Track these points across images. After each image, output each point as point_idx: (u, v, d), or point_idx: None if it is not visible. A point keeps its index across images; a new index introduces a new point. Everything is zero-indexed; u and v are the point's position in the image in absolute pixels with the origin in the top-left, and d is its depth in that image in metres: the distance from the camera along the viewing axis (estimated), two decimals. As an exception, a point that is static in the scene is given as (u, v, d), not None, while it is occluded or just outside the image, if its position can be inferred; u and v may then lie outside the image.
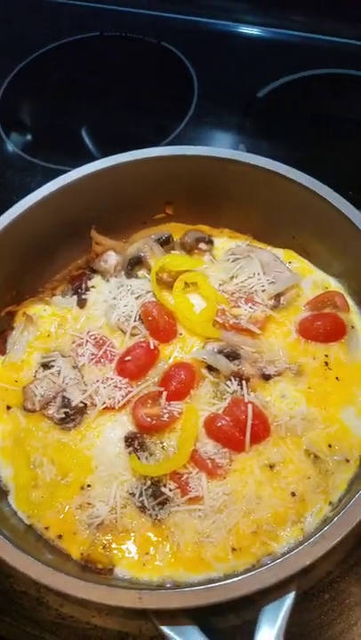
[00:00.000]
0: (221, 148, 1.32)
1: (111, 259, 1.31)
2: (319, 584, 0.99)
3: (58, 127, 1.81)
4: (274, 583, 0.78)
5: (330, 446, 1.02)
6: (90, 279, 1.30)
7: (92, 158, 1.24)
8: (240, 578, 0.80)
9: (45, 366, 1.15)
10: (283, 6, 1.88)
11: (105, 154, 1.25)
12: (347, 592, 0.99)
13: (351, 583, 1.00)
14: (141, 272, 1.28)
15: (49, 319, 1.23)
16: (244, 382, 1.07)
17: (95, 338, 1.17)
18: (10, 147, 1.76)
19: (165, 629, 0.79)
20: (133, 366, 1.12)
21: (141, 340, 1.15)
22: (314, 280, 1.23)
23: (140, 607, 0.78)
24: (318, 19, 1.86)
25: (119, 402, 1.08)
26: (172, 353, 1.14)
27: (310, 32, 1.88)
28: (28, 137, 1.81)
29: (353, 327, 1.16)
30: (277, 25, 1.91)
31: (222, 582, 0.80)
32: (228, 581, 0.80)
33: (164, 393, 1.07)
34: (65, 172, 1.23)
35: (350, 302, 1.19)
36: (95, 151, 1.75)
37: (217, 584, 0.80)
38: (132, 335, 1.17)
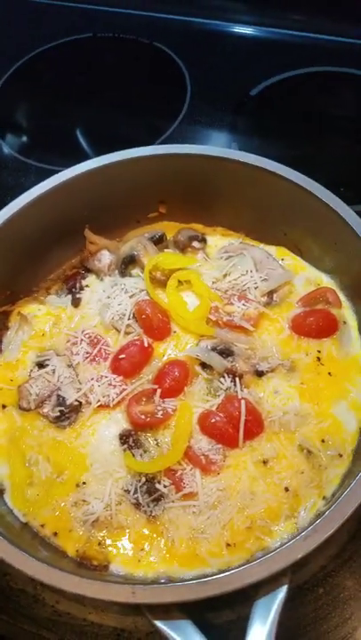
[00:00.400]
0: (214, 146, 1.33)
1: (105, 258, 1.31)
2: (313, 578, 1.00)
3: (52, 128, 1.82)
4: (266, 577, 0.79)
5: (323, 441, 1.03)
6: (84, 278, 1.31)
7: (86, 159, 1.25)
8: (232, 572, 0.80)
9: (40, 365, 1.15)
10: (274, 5, 1.89)
11: (99, 154, 1.25)
12: (341, 586, 1.00)
13: (345, 577, 1.01)
14: (135, 271, 1.29)
15: (43, 318, 1.23)
16: (237, 379, 1.07)
17: (89, 336, 1.17)
18: (4, 148, 1.77)
19: (159, 624, 0.80)
20: (128, 364, 1.12)
21: (135, 338, 1.16)
22: (306, 277, 1.23)
23: (133, 602, 0.78)
24: (310, 17, 1.87)
25: (114, 400, 1.08)
26: (166, 351, 1.15)
27: (302, 30, 1.89)
28: (23, 138, 1.82)
29: (345, 323, 1.17)
30: (269, 24, 1.92)
31: (215, 577, 0.81)
32: (221, 575, 0.80)
33: (158, 390, 1.07)
34: (59, 171, 1.23)
35: (342, 298, 1.20)
36: (89, 152, 1.76)
37: (209, 578, 0.80)
38: (127, 333, 1.17)
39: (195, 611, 0.83)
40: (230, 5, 1.94)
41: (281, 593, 0.79)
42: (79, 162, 1.24)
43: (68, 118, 1.83)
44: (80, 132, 1.80)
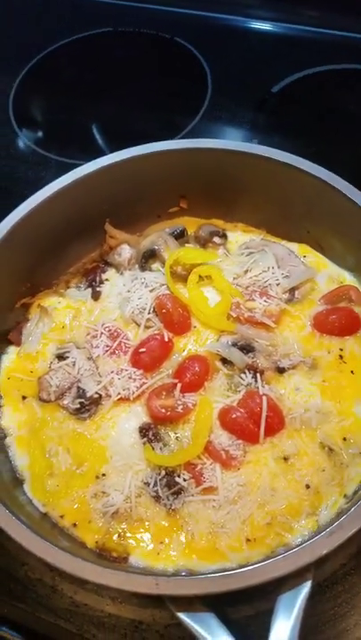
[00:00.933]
0: (237, 141, 1.32)
1: (125, 252, 1.31)
2: (333, 576, 0.99)
3: (72, 122, 1.81)
4: (290, 572, 0.79)
5: (345, 439, 1.02)
6: (104, 272, 1.31)
7: (105, 153, 1.25)
8: (258, 566, 0.80)
9: (60, 357, 1.16)
10: (297, 1, 1.88)
11: (118, 149, 1.25)
12: (360, 585, 0.99)
13: (365, 576, 1.00)
14: (155, 265, 1.29)
15: (63, 311, 1.24)
16: (258, 375, 1.07)
17: (109, 330, 1.18)
18: (24, 141, 1.77)
19: (182, 616, 0.79)
20: (148, 358, 1.12)
21: (156, 332, 1.16)
22: (329, 274, 1.22)
23: (156, 593, 0.78)
24: (333, 14, 1.85)
25: (134, 393, 1.08)
26: (187, 345, 1.15)
27: (325, 27, 1.87)
28: (42, 132, 1.82)
29: (368, 321, 1.16)
30: (292, 20, 1.91)
31: (239, 570, 0.80)
32: (246, 569, 0.80)
33: (179, 385, 1.07)
34: (79, 165, 1.23)
35: (365, 296, 1.19)
36: (109, 146, 1.75)
37: (233, 572, 0.80)
38: (147, 327, 1.17)
39: (216, 604, 0.83)
40: (253, 1, 1.93)
41: (305, 588, 0.79)
42: (99, 156, 1.24)
43: (88, 113, 1.83)
44: (100, 126, 1.80)
